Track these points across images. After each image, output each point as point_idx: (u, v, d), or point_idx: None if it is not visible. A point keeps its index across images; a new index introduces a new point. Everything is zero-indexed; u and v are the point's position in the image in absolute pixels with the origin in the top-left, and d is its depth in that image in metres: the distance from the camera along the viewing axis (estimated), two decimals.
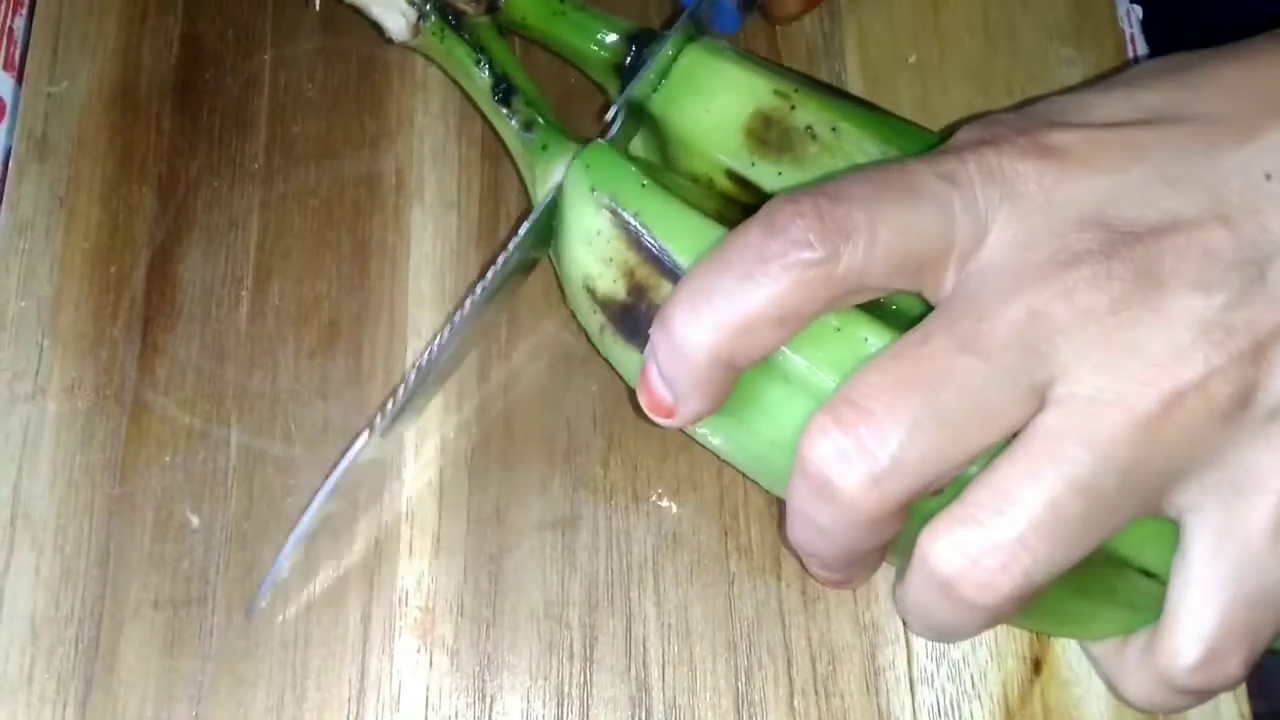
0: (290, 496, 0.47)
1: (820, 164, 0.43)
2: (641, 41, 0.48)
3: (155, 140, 0.52)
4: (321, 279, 0.50)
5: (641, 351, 0.40)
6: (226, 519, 0.47)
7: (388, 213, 0.51)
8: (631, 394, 0.46)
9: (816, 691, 0.45)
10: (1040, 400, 0.34)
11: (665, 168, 0.45)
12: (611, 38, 0.49)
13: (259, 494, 0.47)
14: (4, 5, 0.62)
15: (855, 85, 0.54)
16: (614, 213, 0.40)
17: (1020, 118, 0.37)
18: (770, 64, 0.45)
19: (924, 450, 0.33)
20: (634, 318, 0.40)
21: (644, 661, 0.45)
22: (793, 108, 0.43)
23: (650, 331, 0.37)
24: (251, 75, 0.54)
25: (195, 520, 0.47)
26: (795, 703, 0.45)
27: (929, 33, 0.55)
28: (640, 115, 0.46)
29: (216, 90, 0.53)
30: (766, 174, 0.43)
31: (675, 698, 0.45)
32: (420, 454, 0.48)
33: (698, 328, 0.35)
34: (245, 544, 0.47)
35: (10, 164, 0.52)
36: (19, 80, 0.55)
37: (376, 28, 0.49)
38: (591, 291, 0.41)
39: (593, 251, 0.41)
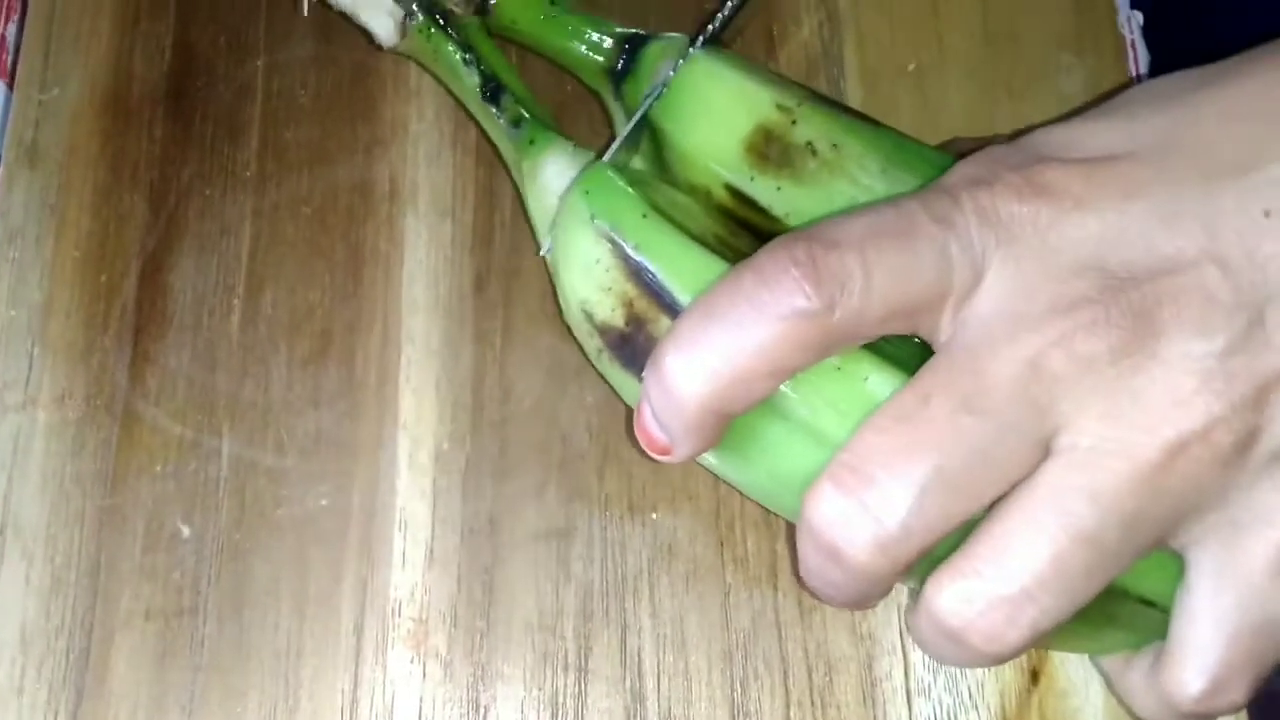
0: (282, 507, 0.47)
1: (819, 180, 0.42)
2: (634, 45, 0.48)
3: (147, 147, 0.52)
4: (314, 287, 0.50)
5: (638, 377, 0.40)
6: (218, 529, 0.47)
7: (381, 220, 0.51)
8: (628, 413, 0.46)
9: (813, 702, 0.45)
10: (1044, 450, 0.33)
11: (663, 176, 0.45)
12: (603, 41, 0.49)
13: (251, 504, 0.47)
14: None
15: (854, 92, 0.53)
16: (614, 243, 0.40)
17: (1015, 152, 0.37)
18: (774, 75, 0.44)
19: (931, 513, 0.33)
20: (632, 346, 0.40)
21: (639, 672, 0.45)
22: (794, 123, 0.42)
23: (643, 374, 0.37)
24: (244, 82, 0.53)
25: (186, 530, 0.47)
26: (791, 714, 0.45)
27: (929, 39, 0.55)
28: (639, 123, 0.46)
29: (209, 97, 0.53)
30: (765, 189, 0.42)
31: (670, 709, 0.45)
32: (414, 463, 0.48)
33: (689, 375, 0.35)
34: (237, 554, 0.46)
35: (1, 171, 0.52)
36: (10, 86, 0.54)
37: (366, 34, 0.49)
38: (589, 316, 0.41)
39: (591, 278, 0.40)
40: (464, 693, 0.45)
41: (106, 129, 0.52)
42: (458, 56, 0.48)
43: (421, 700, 0.45)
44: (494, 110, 0.47)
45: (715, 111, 0.43)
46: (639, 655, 0.45)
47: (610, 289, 0.40)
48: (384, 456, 0.48)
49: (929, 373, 0.34)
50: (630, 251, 0.39)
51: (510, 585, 0.46)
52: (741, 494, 0.46)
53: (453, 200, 0.51)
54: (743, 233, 0.42)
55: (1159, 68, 0.59)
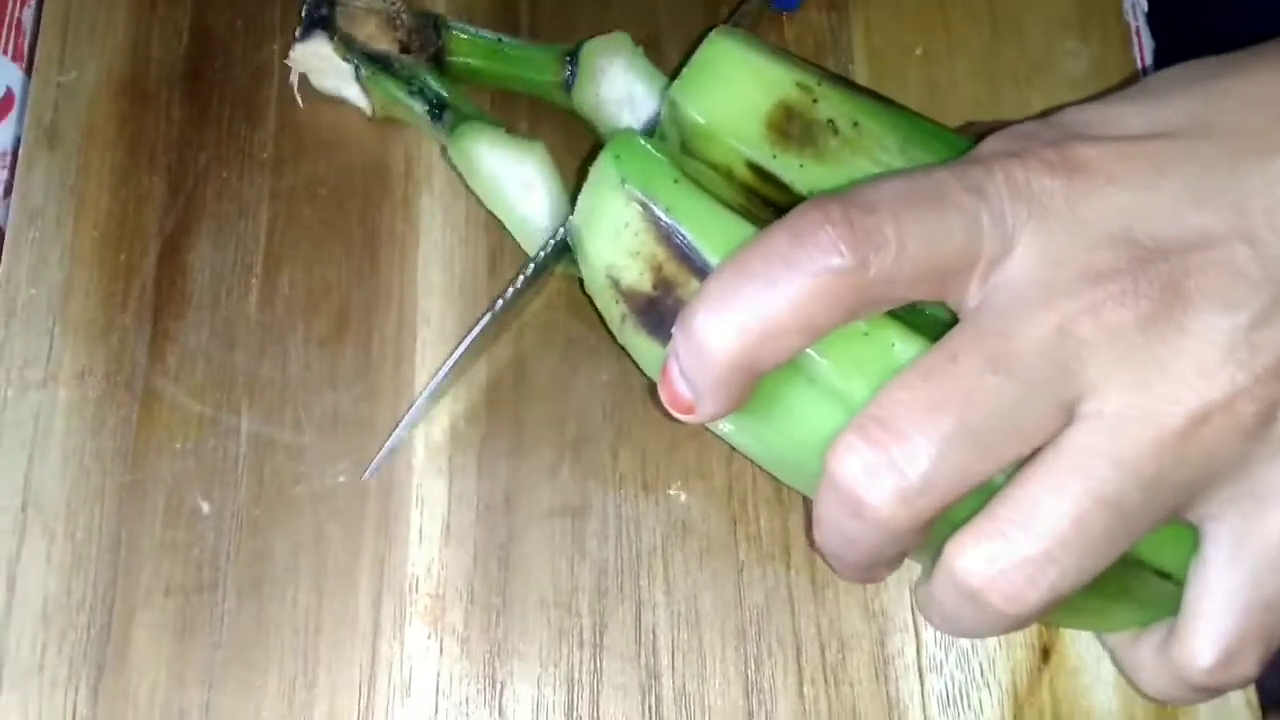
0: (300, 483, 0.47)
1: (841, 159, 0.42)
2: (574, 55, 0.51)
3: (165, 129, 0.52)
4: (331, 267, 0.50)
5: (663, 345, 0.40)
6: (237, 506, 0.47)
7: (397, 201, 0.51)
8: (650, 386, 0.47)
9: (826, 679, 0.45)
10: (1068, 415, 0.34)
11: (685, 155, 0.45)
12: (549, 61, 0.52)
13: (269, 481, 0.47)
14: None
15: (862, 78, 0.54)
16: (644, 206, 0.40)
17: (1046, 128, 0.37)
18: (792, 56, 0.45)
19: (954, 468, 0.33)
20: (658, 311, 0.40)
21: (654, 649, 0.45)
22: (815, 101, 0.43)
23: (673, 330, 0.37)
24: (261, 65, 0.54)
25: (206, 507, 0.47)
26: (805, 690, 0.45)
27: (936, 25, 0.55)
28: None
29: (226, 80, 0.53)
30: (788, 166, 0.43)
31: (685, 684, 0.45)
32: (430, 441, 0.48)
33: (720, 331, 0.35)
34: (256, 530, 0.47)
35: (20, 153, 0.52)
36: (28, 71, 0.55)
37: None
38: (615, 282, 0.41)
39: (619, 243, 0.41)
40: (480, 668, 0.45)
41: (125, 111, 0.53)
42: (403, 91, 0.50)
43: (438, 676, 0.45)
44: (440, 127, 0.50)
45: (737, 90, 0.43)
46: (654, 632, 0.46)
47: (639, 253, 0.40)
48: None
49: (958, 334, 0.35)
50: (661, 214, 0.40)
51: (526, 562, 0.46)
52: (756, 467, 0.47)
53: None
54: (765, 208, 0.43)
55: (1163, 54, 0.59)
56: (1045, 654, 0.46)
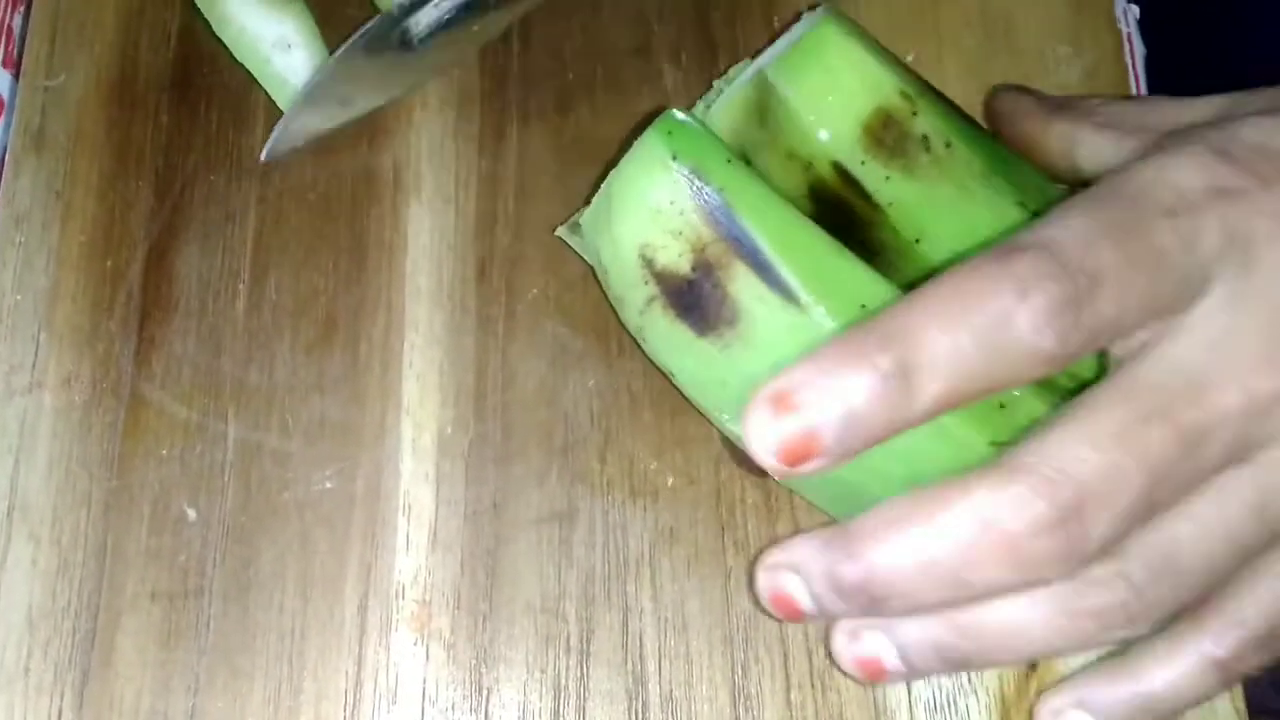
0: (287, 489, 0.47)
1: (929, 177, 0.41)
2: None
3: (152, 134, 0.52)
4: (319, 273, 0.50)
5: (693, 330, 0.39)
6: (223, 512, 0.47)
7: (385, 208, 0.51)
8: (631, 397, 0.46)
9: (813, 685, 0.45)
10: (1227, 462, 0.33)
11: (759, 134, 0.44)
12: None
13: (256, 487, 0.47)
14: (2, 2, 0.62)
15: None
16: (695, 185, 0.39)
17: (1257, 157, 0.35)
18: (892, 56, 0.44)
19: (1122, 534, 0.32)
20: (694, 294, 0.39)
21: (640, 655, 0.45)
22: (915, 113, 0.42)
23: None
24: (249, 71, 0.54)
25: (192, 513, 0.47)
26: (792, 696, 0.45)
27: (928, 30, 0.55)
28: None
29: (214, 85, 0.53)
30: (874, 175, 0.42)
31: (672, 691, 0.45)
32: (417, 448, 0.48)
33: (935, 367, 0.31)
34: (242, 536, 0.47)
35: (7, 157, 0.52)
36: (16, 76, 0.55)
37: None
38: (649, 261, 0.40)
39: (659, 221, 0.40)
40: (467, 674, 0.45)
41: (112, 116, 0.53)
42: None
43: (425, 682, 0.45)
44: None
45: (840, 86, 0.42)
46: (641, 638, 0.46)
47: (681, 233, 0.39)
48: (388, 441, 0.48)
49: (1145, 389, 0.33)
50: (713, 194, 0.39)
51: (513, 568, 0.46)
52: (741, 474, 0.47)
53: (455, 188, 0.52)
54: (819, 205, 0.43)
55: (1155, 60, 0.59)
56: (1032, 661, 0.45)
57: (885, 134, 0.42)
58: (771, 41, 0.45)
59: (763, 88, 0.43)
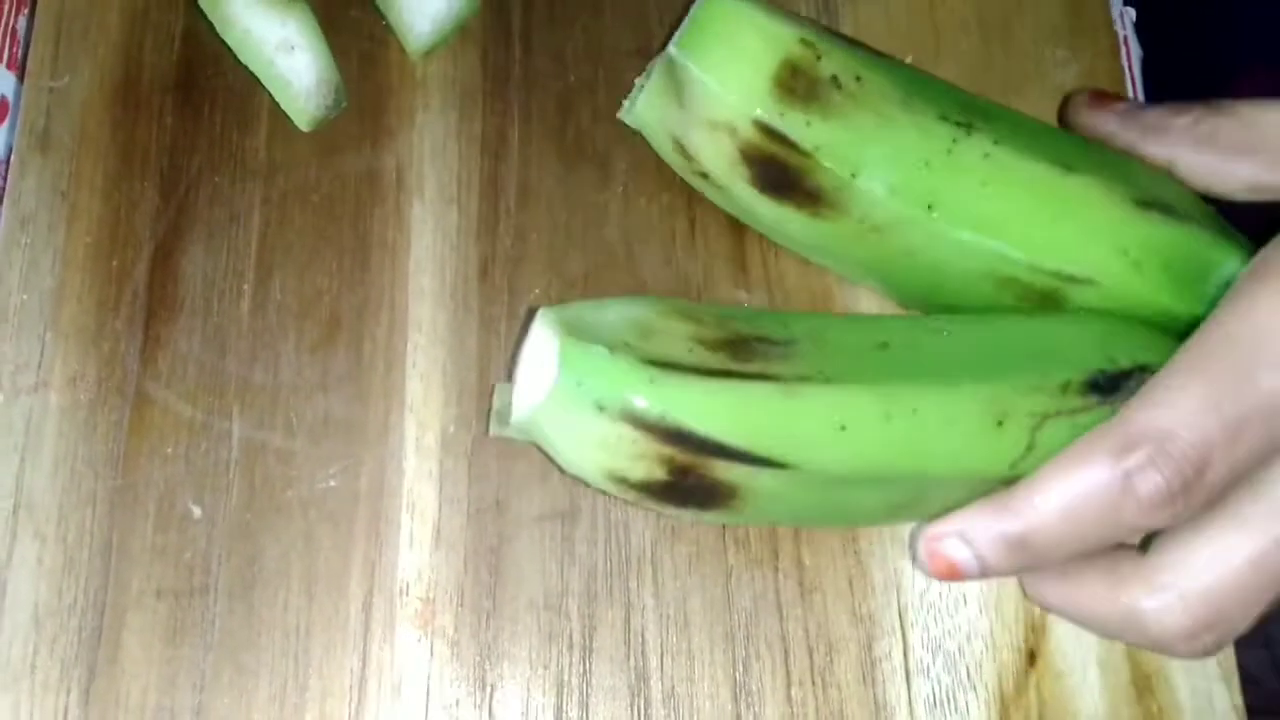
0: (291, 488, 0.47)
1: (846, 113, 0.42)
2: None
3: (157, 135, 0.53)
4: (323, 274, 0.51)
5: (698, 509, 0.42)
6: (228, 510, 0.47)
7: (388, 208, 0.52)
8: None
9: (814, 682, 0.45)
10: None
11: (682, 114, 0.45)
12: None
13: (260, 485, 0.48)
14: (7, 5, 0.62)
15: None
16: (634, 418, 0.39)
17: None
18: (789, 13, 0.45)
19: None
20: (684, 489, 0.40)
21: (643, 652, 0.46)
22: (819, 57, 0.43)
23: (976, 519, 0.40)
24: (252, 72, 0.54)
25: (197, 511, 0.47)
26: (792, 693, 0.45)
27: (925, 33, 0.55)
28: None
29: (218, 86, 0.53)
30: (795, 124, 0.43)
31: (674, 687, 0.45)
32: (421, 446, 0.48)
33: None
34: (247, 534, 0.47)
35: (12, 158, 0.52)
36: (21, 78, 0.55)
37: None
38: (622, 479, 0.41)
39: (619, 453, 0.40)
40: (470, 671, 0.46)
41: (117, 117, 0.53)
42: None
43: (429, 679, 0.45)
44: None
45: (741, 48, 0.43)
46: (643, 635, 0.46)
47: (642, 455, 0.39)
48: (391, 439, 0.48)
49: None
50: (657, 420, 0.39)
51: (516, 566, 0.47)
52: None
53: (458, 189, 0.52)
54: (758, 173, 0.44)
55: (1151, 63, 0.59)
56: (1032, 657, 0.46)
57: (795, 83, 0.43)
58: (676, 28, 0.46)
59: (673, 70, 0.44)
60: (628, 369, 0.39)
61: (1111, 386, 0.40)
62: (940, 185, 0.43)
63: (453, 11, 0.53)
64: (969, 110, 0.45)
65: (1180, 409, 0.37)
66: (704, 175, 0.46)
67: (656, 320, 0.41)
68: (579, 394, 0.39)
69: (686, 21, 0.45)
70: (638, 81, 0.50)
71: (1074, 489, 0.38)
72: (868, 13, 0.56)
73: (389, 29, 0.54)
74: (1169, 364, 0.38)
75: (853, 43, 0.45)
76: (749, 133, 0.43)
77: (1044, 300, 0.44)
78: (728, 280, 0.50)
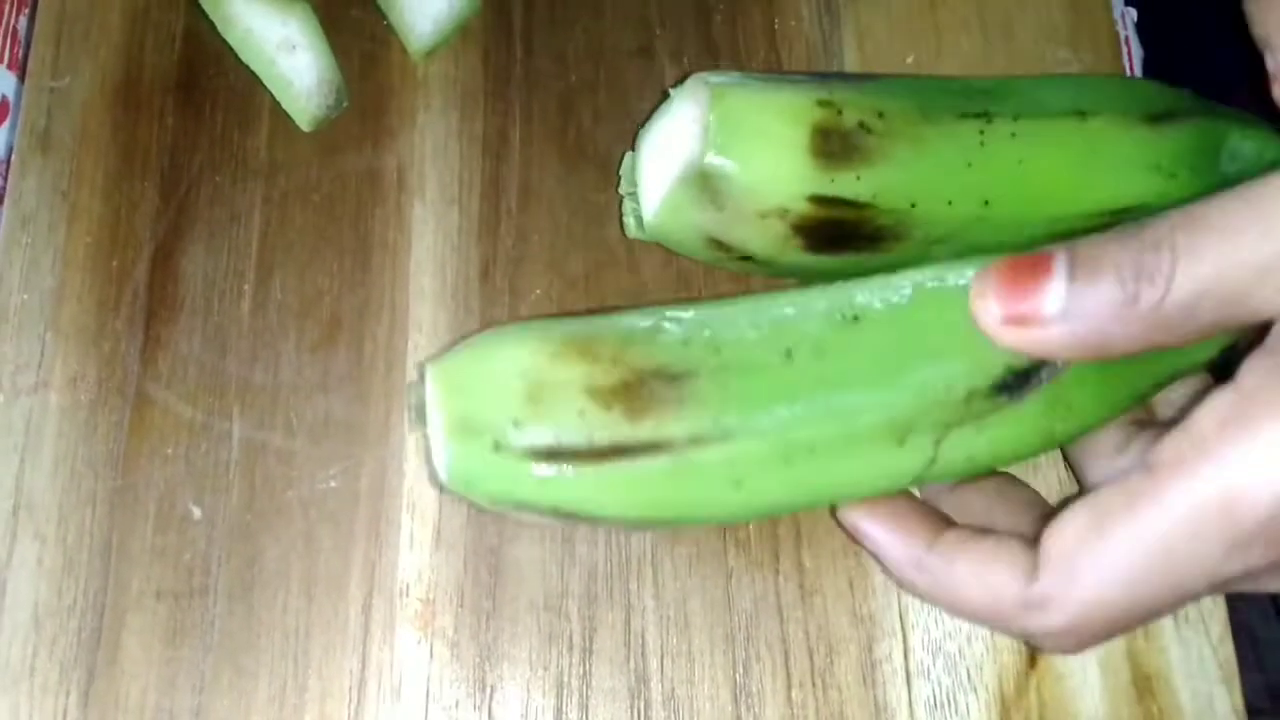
0: (291, 488, 0.47)
1: (885, 151, 0.42)
2: None
3: (158, 135, 0.53)
4: (323, 274, 0.51)
5: None
6: (228, 510, 0.47)
7: (389, 209, 0.52)
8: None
9: (814, 683, 0.45)
10: None
11: (722, 215, 0.44)
12: None
13: (261, 486, 0.47)
14: (7, 5, 0.62)
15: None
16: (525, 506, 0.39)
17: None
18: (787, 76, 0.44)
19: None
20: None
21: (643, 653, 0.46)
22: (840, 111, 0.42)
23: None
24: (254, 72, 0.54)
25: (197, 512, 0.47)
26: (793, 694, 0.45)
27: (927, 33, 0.55)
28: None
29: (219, 85, 0.53)
30: (847, 183, 0.42)
31: (674, 689, 0.45)
32: (421, 447, 0.48)
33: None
34: (247, 535, 0.47)
35: (13, 158, 0.52)
36: (22, 78, 0.55)
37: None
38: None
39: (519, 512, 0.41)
40: (470, 673, 0.46)
41: (117, 117, 0.53)
42: None
43: (429, 680, 0.45)
44: None
45: (770, 135, 0.42)
46: (643, 636, 0.46)
47: (541, 519, 0.40)
48: (392, 440, 0.48)
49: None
50: (550, 508, 0.39)
51: (516, 567, 0.47)
52: None
53: (459, 189, 0.52)
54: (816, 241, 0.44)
55: (1152, 62, 0.59)
56: (1032, 659, 0.46)
57: (831, 145, 0.42)
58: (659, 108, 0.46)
59: (704, 180, 0.43)
60: (514, 469, 0.39)
61: (1019, 384, 0.40)
62: (986, 179, 0.44)
63: (454, 11, 0.53)
64: (977, 97, 0.45)
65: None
66: (746, 259, 0.46)
67: (547, 368, 0.39)
68: (469, 491, 0.40)
69: (692, 125, 0.44)
70: (628, 194, 0.48)
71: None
72: (869, 14, 0.56)
73: (390, 29, 0.54)
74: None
75: (845, 77, 0.45)
76: (803, 209, 0.43)
77: None
78: (729, 279, 0.50)
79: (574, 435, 0.38)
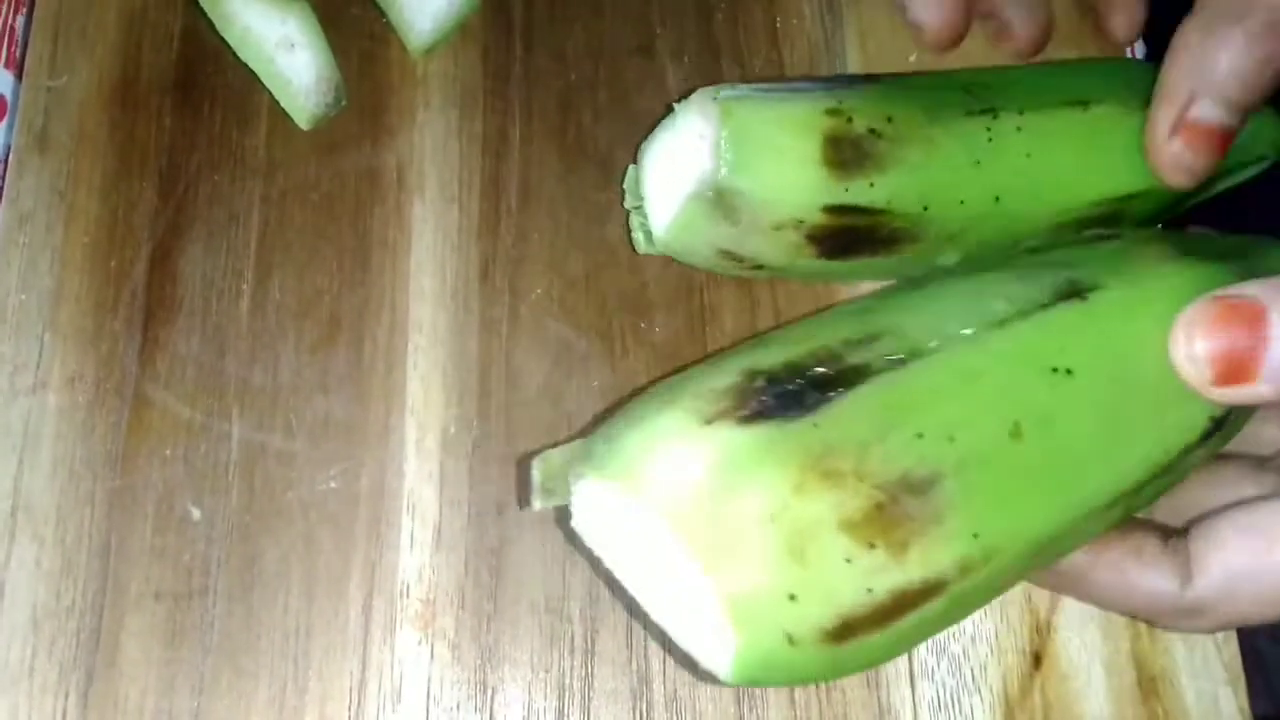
0: (291, 489, 0.47)
1: (895, 156, 0.42)
2: None
3: (156, 134, 0.52)
4: (322, 273, 0.50)
5: None
6: (228, 511, 0.47)
7: (389, 207, 0.51)
8: (634, 398, 0.46)
9: (817, 685, 0.45)
10: None
11: (739, 230, 0.44)
12: None
13: (260, 487, 0.47)
14: (5, 4, 0.62)
15: None
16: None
17: None
18: (792, 86, 0.44)
19: None
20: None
21: (645, 654, 0.45)
22: (849, 119, 0.43)
23: None
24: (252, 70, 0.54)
25: (196, 513, 0.47)
26: (796, 696, 0.45)
27: None
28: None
29: (217, 84, 0.53)
30: (861, 191, 0.42)
31: (676, 690, 0.45)
32: (421, 448, 0.48)
33: None
34: (246, 536, 0.47)
35: (10, 158, 0.52)
36: (19, 77, 0.55)
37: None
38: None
39: None
40: (471, 674, 0.45)
41: (115, 116, 0.52)
42: None
43: (429, 681, 0.45)
44: None
45: (783, 149, 0.42)
46: (645, 637, 0.46)
47: None
48: (392, 440, 0.48)
49: None
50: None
51: (517, 568, 0.46)
52: None
53: (459, 188, 0.52)
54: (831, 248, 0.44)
55: (1154, 60, 0.59)
56: (1037, 660, 0.46)
57: (842, 154, 0.42)
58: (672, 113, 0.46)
59: (714, 195, 0.43)
60: (811, 659, 0.34)
61: (1216, 429, 0.39)
62: (995, 176, 0.44)
63: (453, 9, 0.53)
64: (980, 93, 0.45)
65: None
66: (758, 267, 0.46)
67: (796, 506, 0.34)
68: (758, 684, 0.38)
69: (700, 142, 0.43)
70: (634, 208, 0.48)
71: None
72: (871, 13, 0.55)
73: (389, 27, 0.54)
74: None
75: (850, 81, 0.45)
76: (818, 219, 0.43)
77: (1106, 222, 0.47)
78: (730, 278, 0.50)
79: (854, 597, 0.34)
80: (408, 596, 0.46)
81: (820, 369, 0.36)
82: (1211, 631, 0.40)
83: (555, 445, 0.39)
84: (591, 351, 0.49)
